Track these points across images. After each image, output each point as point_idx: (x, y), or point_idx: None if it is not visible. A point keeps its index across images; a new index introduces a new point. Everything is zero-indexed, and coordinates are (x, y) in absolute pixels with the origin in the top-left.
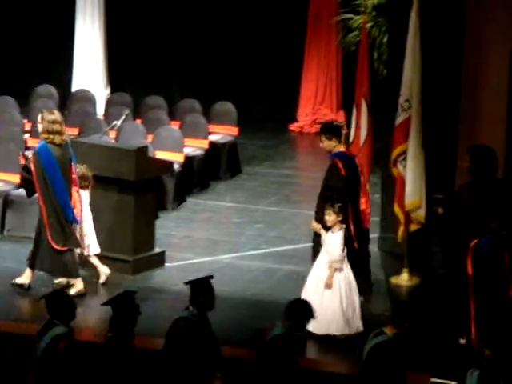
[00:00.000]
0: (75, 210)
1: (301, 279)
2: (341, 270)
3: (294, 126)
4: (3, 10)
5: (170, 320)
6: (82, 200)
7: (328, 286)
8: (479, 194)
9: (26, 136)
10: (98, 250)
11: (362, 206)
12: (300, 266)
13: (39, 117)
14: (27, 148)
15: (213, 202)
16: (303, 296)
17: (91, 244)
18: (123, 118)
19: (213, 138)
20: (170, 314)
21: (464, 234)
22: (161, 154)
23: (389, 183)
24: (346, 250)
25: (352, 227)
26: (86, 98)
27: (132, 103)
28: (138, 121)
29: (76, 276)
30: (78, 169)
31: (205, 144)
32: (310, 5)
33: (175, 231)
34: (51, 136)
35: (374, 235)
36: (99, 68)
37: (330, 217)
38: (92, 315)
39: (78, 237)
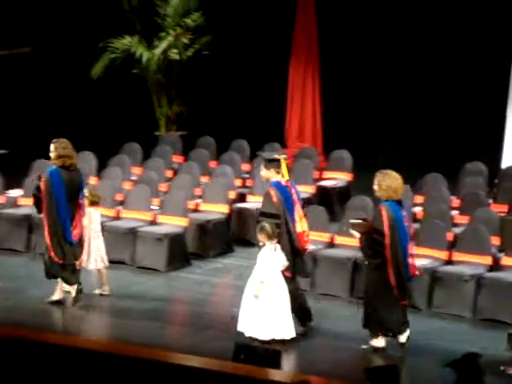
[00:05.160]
0: (75, 231)
1: None
2: (268, 282)
3: None
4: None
5: None
6: (93, 219)
7: (255, 297)
8: None
9: (455, 212)
10: (103, 265)
11: (298, 230)
12: None
13: (52, 147)
14: (454, 225)
15: None
16: (244, 305)
17: (98, 258)
18: None
19: None
20: None
21: None
22: None
23: None
24: (278, 264)
25: (289, 247)
26: None
27: None
28: None
29: (71, 284)
30: (88, 193)
31: None
32: None
33: None
34: (62, 160)
35: None
36: None
37: (260, 237)
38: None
39: (85, 252)
